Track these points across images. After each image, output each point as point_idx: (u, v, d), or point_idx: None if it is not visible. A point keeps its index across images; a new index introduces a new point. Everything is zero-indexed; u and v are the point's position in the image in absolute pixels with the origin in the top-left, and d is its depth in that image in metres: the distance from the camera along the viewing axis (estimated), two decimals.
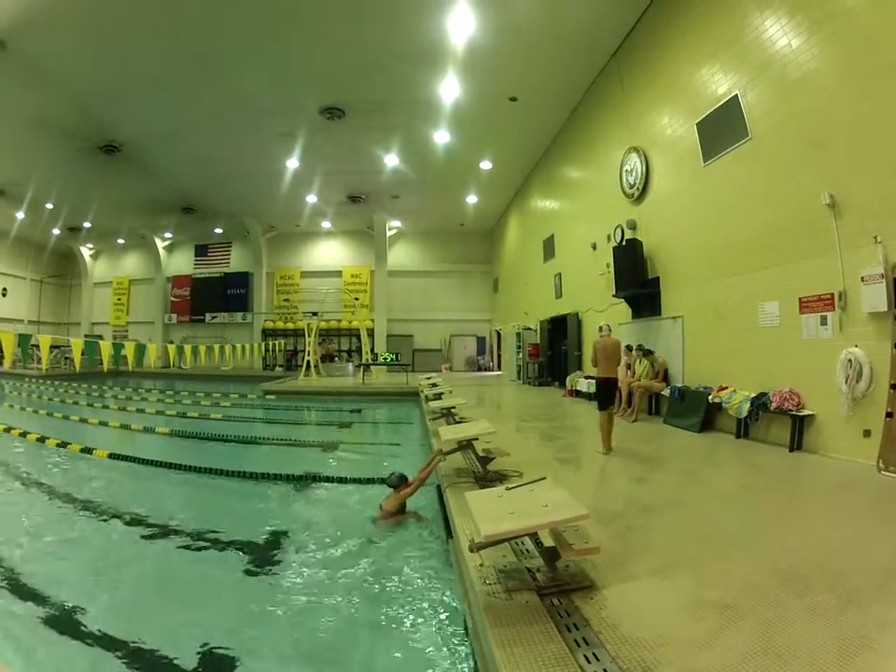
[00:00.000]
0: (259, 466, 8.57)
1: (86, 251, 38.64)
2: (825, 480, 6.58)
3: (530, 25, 13.10)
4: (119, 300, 38.28)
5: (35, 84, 15.70)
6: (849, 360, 7.00)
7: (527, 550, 3.97)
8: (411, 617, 4.12)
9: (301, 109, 17.81)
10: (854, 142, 7.10)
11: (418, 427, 12.77)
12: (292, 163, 22.25)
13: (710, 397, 9.62)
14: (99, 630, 3.90)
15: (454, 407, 10.40)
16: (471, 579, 3.66)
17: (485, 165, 22.93)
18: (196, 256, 36.50)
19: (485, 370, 32.53)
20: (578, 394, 15.56)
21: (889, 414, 6.51)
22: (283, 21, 13.23)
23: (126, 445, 10.77)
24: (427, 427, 10.96)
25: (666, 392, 11.10)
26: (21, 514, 6.84)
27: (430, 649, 3.70)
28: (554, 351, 20.19)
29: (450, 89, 15.90)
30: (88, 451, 9.63)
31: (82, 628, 3.95)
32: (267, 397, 19.72)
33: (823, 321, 7.61)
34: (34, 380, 26.60)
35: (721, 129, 9.81)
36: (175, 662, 3.56)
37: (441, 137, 19.53)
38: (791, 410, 7.90)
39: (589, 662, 2.68)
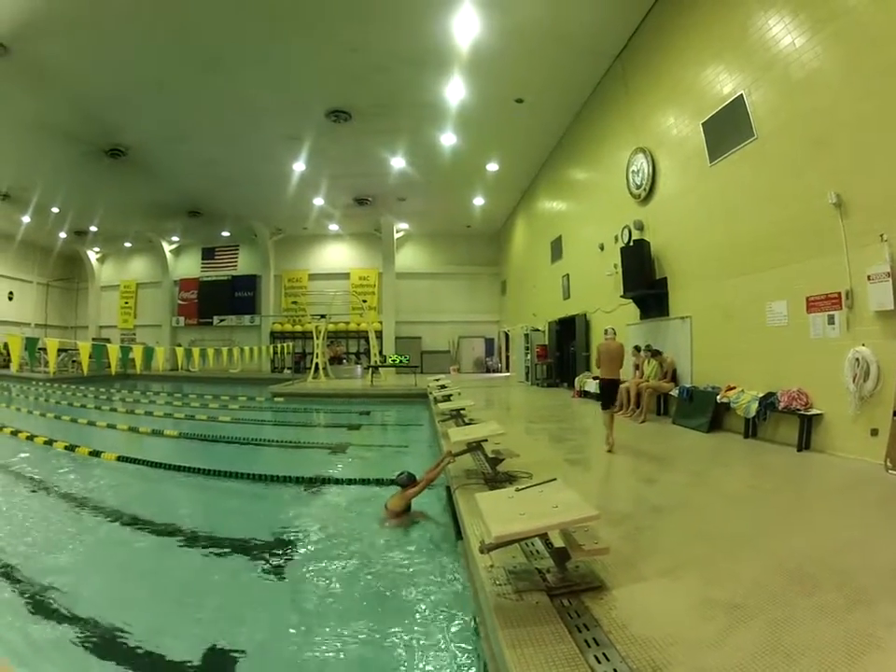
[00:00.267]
0: (268, 468, 8.57)
1: (93, 255, 38.75)
2: (832, 479, 6.59)
3: (534, 27, 13.12)
4: (127, 303, 38.40)
5: (39, 88, 15.77)
6: (857, 359, 7.01)
7: (537, 551, 4.00)
8: (420, 618, 4.13)
9: (307, 112, 17.87)
10: (859, 141, 7.10)
11: (427, 428, 12.76)
12: (299, 166, 22.30)
13: (719, 397, 9.64)
14: (103, 630, 3.93)
15: (463, 409, 10.38)
16: (481, 580, 3.68)
17: (492, 167, 22.94)
18: (203, 259, 36.58)
19: (494, 371, 32.50)
20: (586, 395, 15.58)
21: None
22: (287, 24, 13.27)
23: (134, 448, 10.78)
24: (436, 428, 10.97)
25: (675, 392, 11.11)
26: (26, 515, 6.89)
27: (440, 650, 3.72)
28: (563, 352, 20.16)
29: (456, 91, 15.94)
30: (96, 454, 9.68)
31: (86, 628, 3.98)
32: (275, 399, 19.74)
33: (830, 320, 7.62)
34: (41, 383, 26.67)
35: (727, 129, 9.81)
36: (182, 663, 3.58)
37: (448, 139, 19.57)
38: (798, 409, 7.90)
39: (599, 662, 2.71)
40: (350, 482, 7.99)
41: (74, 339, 33.08)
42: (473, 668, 3.50)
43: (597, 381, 9.84)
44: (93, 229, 32.76)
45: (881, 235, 6.73)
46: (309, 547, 5.68)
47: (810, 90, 7.85)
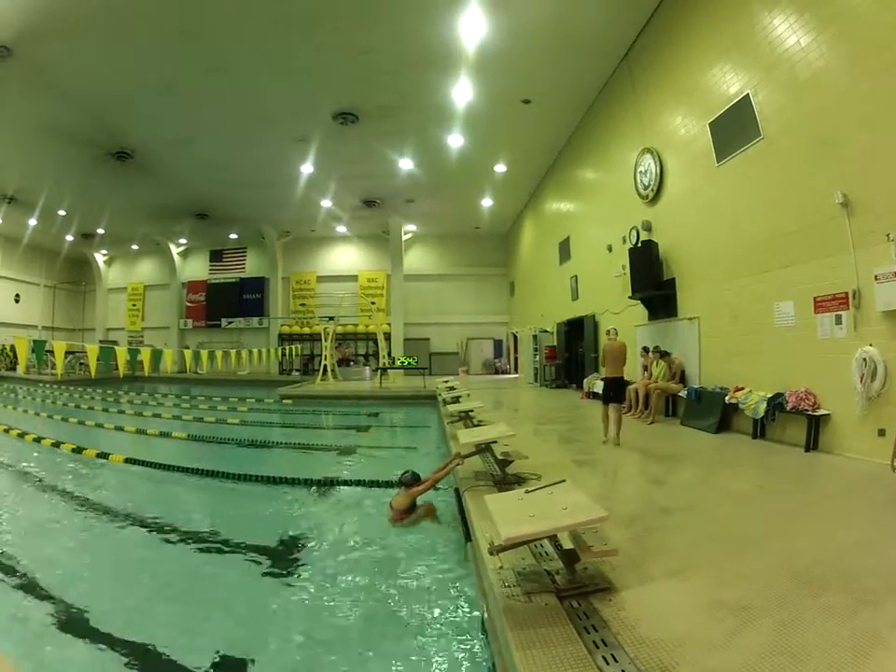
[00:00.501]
0: (276, 470, 8.64)
1: (100, 257, 38.98)
2: (840, 480, 6.58)
3: (541, 27, 13.14)
4: (134, 305, 38.65)
5: (45, 91, 15.82)
6: (864, 359, 6.99)
7: (546, 552, 4.02)
8: (428, 619, 4.17)
9: (314, 114, 17.92)
10: (865, 140, 7.10)
11: (435, 430, 12.78)
12: (306, 168, 22.33)
13: (727, 397, 9.63)
14: (110, 631, 3.97)
15: (472, 410, 10.42)
16: (490, 581, 3.70)
17: (500, 168, 22.96)
18: (211, 261, 36.78)
19: (502, 373, 32.44)
20: (595, 396, 15.51)
21: None
22: (294, 26, 13.31)
23: (142, 450, 10.85)
24: (444, 430, 11.00)
25: (683, 393, 11.10)
26: (32, 516, 7.01)
27: (449, 651, 3.75)
28: (571, 353, 20.10)
29: (463, 92, 15.93)
30: (104, 455, 9.76)
31: (94, 629, 4.03)
32: (284, 401, 19.82)
33: (838, 320, 7.61)
34: (48, 385, 26.86)
35: (734, 129, 9.80)
36: (191, 664, 3.61)
37: (455, 141, 19.58)
38: (806, 410, 7.89)
39: (608, 663, 2.72)
40: (359, 483, 8.03)
41: (81, 341, 33.25)
42: (482, 669, 3.53)
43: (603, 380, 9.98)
44: (100, 231, 32.87)
45: (888, 235, 6.72)
46: (315, 547, 5.74)
47: (816, 89, 7.85)
